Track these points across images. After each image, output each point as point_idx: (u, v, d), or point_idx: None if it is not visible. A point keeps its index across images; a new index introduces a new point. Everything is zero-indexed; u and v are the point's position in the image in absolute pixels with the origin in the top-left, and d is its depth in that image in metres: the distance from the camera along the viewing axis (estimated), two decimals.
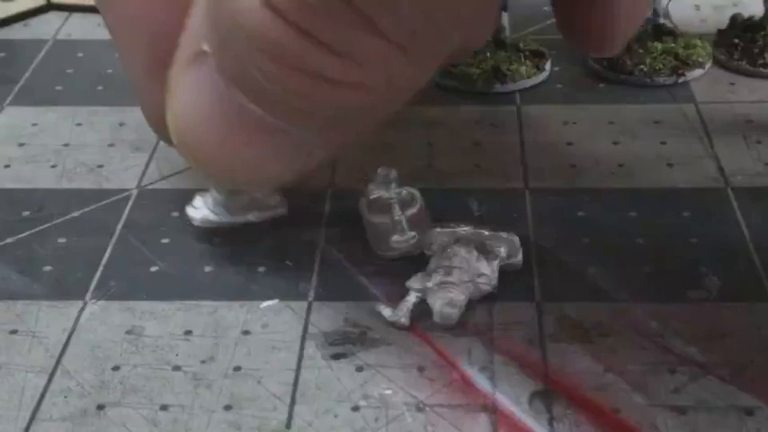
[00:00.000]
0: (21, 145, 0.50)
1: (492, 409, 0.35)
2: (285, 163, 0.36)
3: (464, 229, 0.41)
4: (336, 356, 0.37)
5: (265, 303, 0.40)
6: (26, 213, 0.45)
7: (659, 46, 0.54)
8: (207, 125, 0.36)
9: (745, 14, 0.57)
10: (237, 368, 0.37)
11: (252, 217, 0.43)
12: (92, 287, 0.41)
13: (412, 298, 0.39)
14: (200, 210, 0.43)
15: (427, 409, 0.35)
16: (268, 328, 0.39)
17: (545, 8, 0.61)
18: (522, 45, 0.56)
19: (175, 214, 0.45)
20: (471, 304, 0.39)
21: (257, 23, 0.31)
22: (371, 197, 0.42)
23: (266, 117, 0.34)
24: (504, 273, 0.40)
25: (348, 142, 0.36)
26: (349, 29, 0.30)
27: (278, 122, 0.34)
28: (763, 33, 0.55)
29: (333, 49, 0.31)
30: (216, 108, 0.35)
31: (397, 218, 0.42)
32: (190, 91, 0.36)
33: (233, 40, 0.32)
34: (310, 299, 0.40)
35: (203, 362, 0.37)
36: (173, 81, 0.36)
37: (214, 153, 0.37)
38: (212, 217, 0.43)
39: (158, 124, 0.39)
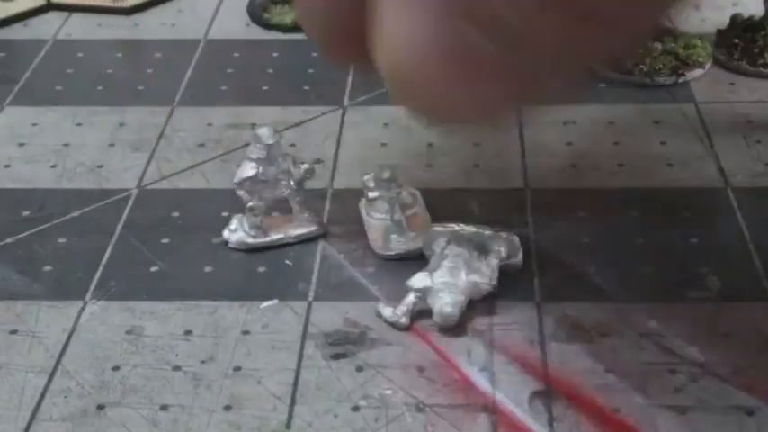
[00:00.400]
0: (21, 145, 0.50)
1: (492, 409, 0.35)
2: (511, 97, 0.34)
3: (464, 229, 0.41)
4: (336, 356, 0.37)
5: (265, 303, 0.40)
6: (26, 213, 0.45)
7: (659, 46, 0.54)
8: (425, 58, 0.33)
9: (745, 14, 0.57)
10: (237, 368, 0.37)
11: (288, 238, 0.43)
12: (92, 287, 0.41)
13: (412, 298, 0.39)
14: (237, 232, 0.43)
15: (427, 409, 0.35)
16: (268, 328, 0.39)
17: None
18: None
19: (175, 214, 0.45)
20: (471, 304, 0.39)
21: None
22: (371, 197, 0.42)
23: (498, 52, 0.32)
24: (504, 273, 0.40)
25: (578, 77, 0.35)
26: None
27: (510, 58, 0.32)
28: (763, 33, 0.55)
29: None
30: (437, 40, 0.32)
31: (397, 218, 0.42)
32: (406, 21, 0.33)
33: None
34: (310, 299, 0.40)
35: (203, 362, 0.37)
36: (386, 6, 0.33)
37: (431, 87, 0.34)
38: (249, 239, 0.43)
39: (332, 41, 0.36)
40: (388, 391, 0.36)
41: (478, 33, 0.32)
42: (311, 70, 0.56)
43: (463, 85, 0.33)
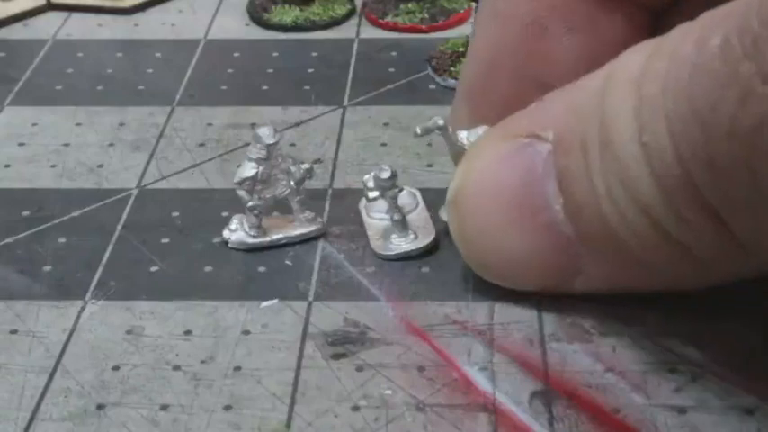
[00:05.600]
0: (21, 145, 0.50)
1: (492, 409, 0.35)
2: (548, 271, 0.37)
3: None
4: (336, 356, 0.37)
5: (265, 303, 0.40)
6: (26, 213, 0.45)
7: None
8: (495, 201, 0.37)
9: None
10: (237, 368, 0.37)
11: (288, 238, 0.43)
12: (92, 287, 0.41)
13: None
14: (237, 232, 0.43)
15: (427, 409, 0.35)
16: (268, 328, 0.39)
17: None
18: None
19: (175, 214, 0.45)
20: (471, 304, 0.39)
21: (628, 176, 0.32)
22: (371, 197, 0.42)
23: (564, 226, 0.35)
24: None
25: (627, 287, 0.37)
26: (698, 222, 0.31)
27: (571, 235, 0.35)
28: None
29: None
30: (514, 192, 0.36)
31: (396, 218, 0.42)
32: (498, 161, 0.37)
33: (594, 165, 0.33)
34: (310, 299, 0.40)
35: (203, 362, 0.37)
36: (484, 141, 0.38)
37: (485, 230, 0.37)
38: (249, 239, 0.43)
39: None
40: (388, 391, 0.36)
41: (559, 196, 0.35)
42: (311, 70, 0.56)
43: (515, 236, 0.37)
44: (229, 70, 0.56)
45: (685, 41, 0.30)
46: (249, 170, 0.42)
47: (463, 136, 0.41)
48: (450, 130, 0.41)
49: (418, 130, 0.41)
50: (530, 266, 0.37)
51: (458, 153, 0.41)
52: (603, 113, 0.32)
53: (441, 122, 0.41)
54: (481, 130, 0.40)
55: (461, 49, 0.55)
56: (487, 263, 0.38)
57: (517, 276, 0.38)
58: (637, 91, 0.31)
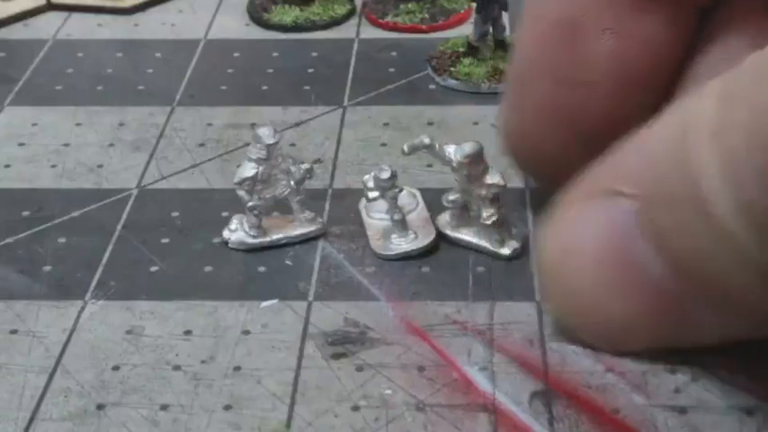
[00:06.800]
0: (21, 145, 0.50)
1: (492, 409, 0.35)
2: (655, 329, 0.35)
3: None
4: (336, 356, 0.37)
5: (265, 303, 0.40)
6: (26, 213, 0.45)
7: None
8: (589, 262, 0.35)
9: None
10: (237, 368, 0.37)
11: (288, 238, 0.43)
12: (92, 287, 0.41)
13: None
14: (237, 232, 0.43)
15: (427, 409, 0.35)
16: (268, 328, 0.39)
17: None
18: None
19: (175, 214, 0.45)
20: (471, 304, 0.39)
21: (726, 231, 0.30)
22: (371, 197, 0.42)
23: (664, 282, 0.34)
24: (504, 272, 0.40)
25: (740, 336, 0.35)
26: None
27: (679, 293, 0.33)
28: None
29: None
30: (609, 251, 0.35)
31: (396, 218, 0.42)
32: (584, 222, 0.35)
33: (688, 223, 0.32)
34: (310, 299, 0.40)
35: (203, 362, 0.37)
36: (567, 203, 0.36)
37: (580, 294, 0.36)
38: (249, 239, 0.42)
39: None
40: (388, 391, 0.36)
41: (656, 254, 0.33)
42: (311, 70, 0.56)
43: (614, 298, 0.35)
44: (229, 70, 0.57)
45: (762, 87, 0.29)
46: (249, 170, 0.42)
47: (450, 152, 0.41)
48: (437, 146, 0.41)
49: (405, 149, 0.41)
50: (635, 327, 0.36)
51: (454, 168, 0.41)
52: (689, 168, 0.31)
53: (427, 141, 0.41)
54: (468, 146, 0.40)
55: (461, 49, 0.55)
56: (589, 326, 0.37)
57: (623, 337, 0.36)
58: (720, 144, 0.30)
